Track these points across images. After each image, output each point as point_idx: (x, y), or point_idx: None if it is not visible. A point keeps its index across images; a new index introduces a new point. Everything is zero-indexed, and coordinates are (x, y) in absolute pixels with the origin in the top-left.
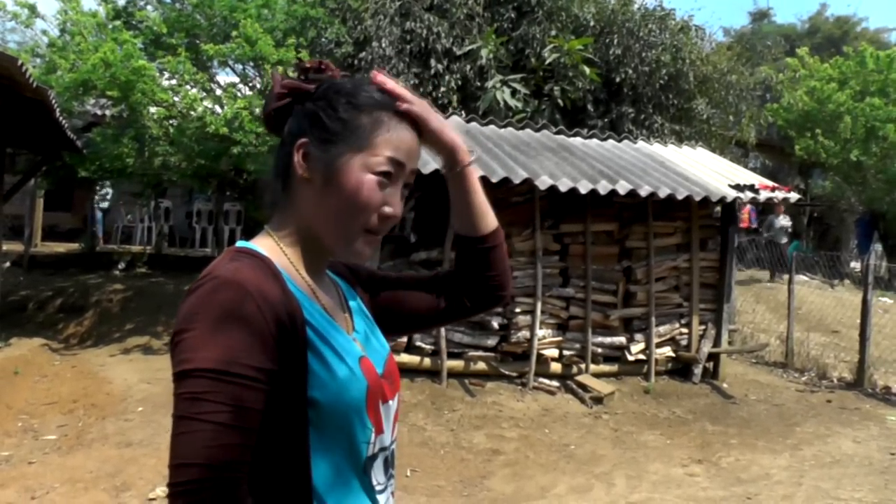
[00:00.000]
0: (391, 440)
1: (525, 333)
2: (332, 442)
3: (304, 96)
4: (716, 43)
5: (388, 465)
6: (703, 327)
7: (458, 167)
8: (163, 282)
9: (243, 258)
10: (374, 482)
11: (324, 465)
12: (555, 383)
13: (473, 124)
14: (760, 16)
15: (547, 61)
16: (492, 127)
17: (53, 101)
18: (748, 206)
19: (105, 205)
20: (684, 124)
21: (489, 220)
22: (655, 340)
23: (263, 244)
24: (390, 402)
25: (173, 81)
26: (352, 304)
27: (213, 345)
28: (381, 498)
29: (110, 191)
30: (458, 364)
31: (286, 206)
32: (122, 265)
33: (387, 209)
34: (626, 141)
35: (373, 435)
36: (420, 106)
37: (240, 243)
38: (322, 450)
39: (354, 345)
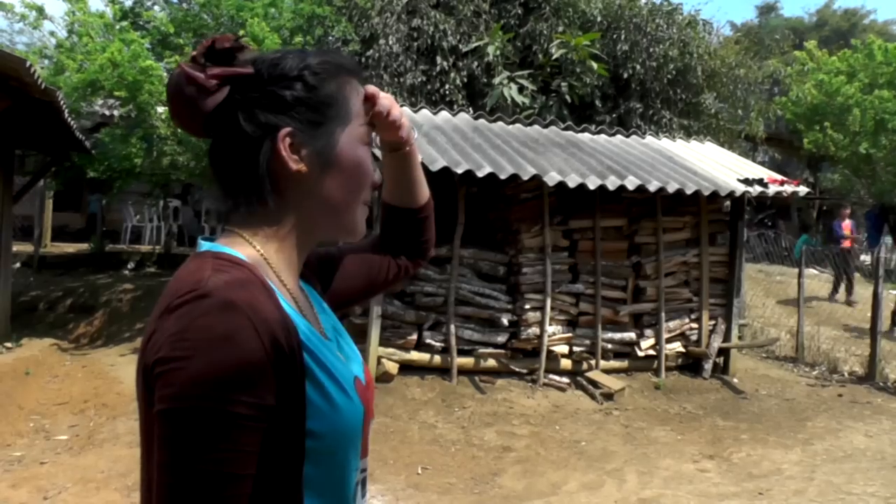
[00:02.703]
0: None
1: (535, 330)
2: (324, 474)
3: (247, 83)
4: (723, 37)
5: (366, 484)
6: (712, 322)
7: (406, 146)
8: None
9: (230, 269)
10: None
11: (315, 500)
12: (565, 380)
13: (481, 121)
14: (768, 9)
15: (554, 57)
16: (500, 123)
17: (62, 102)
18: (848, 221)
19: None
20: (692, 119)
21: (425, 190)
22: (665, 336)
23: (242, 250)
24: (371, 419)
25: None
26: (314, 304)
27: (212, 379)
28: None
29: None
30: (468, 361)
31: (270, 207)
32: (131, 265)
33: (376, 178)
34: (634, 136)
35: (360, 460)
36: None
37: (213, 246)
38: (314, 484)
39: (347, 365)
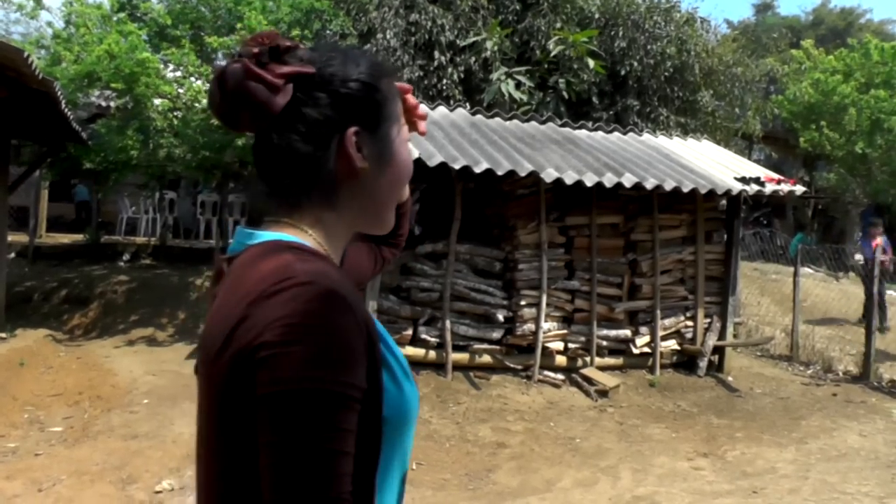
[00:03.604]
0: None
1: (530, 326)
2: (390, 456)
3: (308, 82)
4: (720, 35)
5: None
6: (708, 320)
7: None
8: (167, 273)
9: (312, 259)
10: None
11: (383, 486)
12: (560, 376)
13: (479, 117)
14: (765, 7)
15: (552, 54)
16: (497, 119)
17: (59, 93)
18: (880, 239)
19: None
20: (689, 116)
21: (406, 190)
22: (660, 333)
23: (306, 241)
24: None
25: (178, 73)
26: None
27: (324, 362)
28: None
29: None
30: (463, 357)
31: (328, 202)
32: (126, 257)
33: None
34: (631, 133)
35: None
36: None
37: (275, 236)
38: (383, 469)
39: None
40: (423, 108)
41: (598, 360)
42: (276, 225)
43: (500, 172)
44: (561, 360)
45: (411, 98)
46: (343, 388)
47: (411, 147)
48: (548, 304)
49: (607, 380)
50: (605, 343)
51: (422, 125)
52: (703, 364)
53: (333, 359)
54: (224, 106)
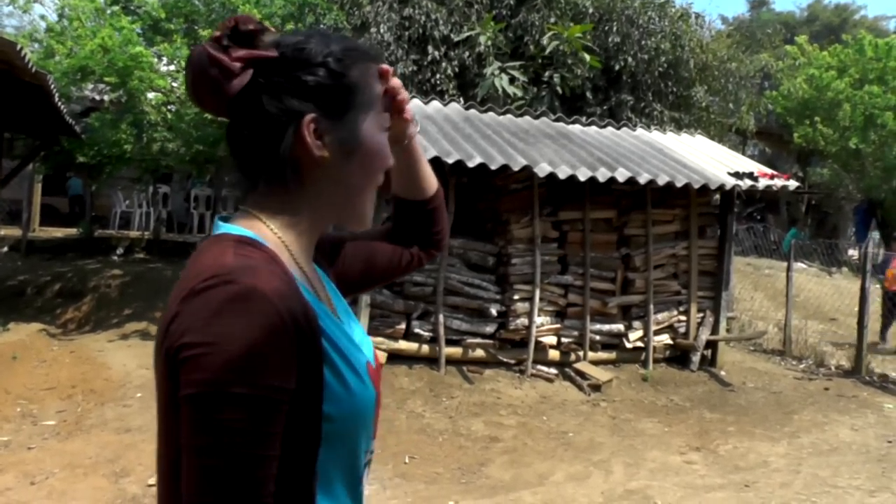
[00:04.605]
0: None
1: (523, 321)
2: (336, 457)
3: (271, 66)
4: (715, 31)
5: (369, 466)
6: (701, 315)
7: (409, 139)
8: (161, 267)
9: (252, 254)
10: (363, 488)
11: (326, 484)
12: (553, 371)
13: (472, 111)
14: (759, 3)
15: (546, 49)
16: (491, 114)
17: (52, 86)
18: None
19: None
20: (683, 112)
21: (433, 182)
22: (653, 328)
23: (261, 233)
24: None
25: (171, 67)
26: (327, 285)
27: (240, 364)
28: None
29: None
30: (456, 351)
31: (290, 191)
32: (120, 250)
33: (390, 162)
34: (625, 128)
35: (371, 442)
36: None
37: (232, 228)
38: (327, 466)
39: (361, 349)
40: (409, 101)
41: (591, 354)
42: (241, 216)
43: (493, 167)
44: (554, 354)
45: (395, 81)
46: (264, 390)
47: None
48: (541, 299)
49: (600, 374)
50: (598, 337)
51: (407, 111)
52: (695, 358)
53: (254, 361)
54: (190, 88)
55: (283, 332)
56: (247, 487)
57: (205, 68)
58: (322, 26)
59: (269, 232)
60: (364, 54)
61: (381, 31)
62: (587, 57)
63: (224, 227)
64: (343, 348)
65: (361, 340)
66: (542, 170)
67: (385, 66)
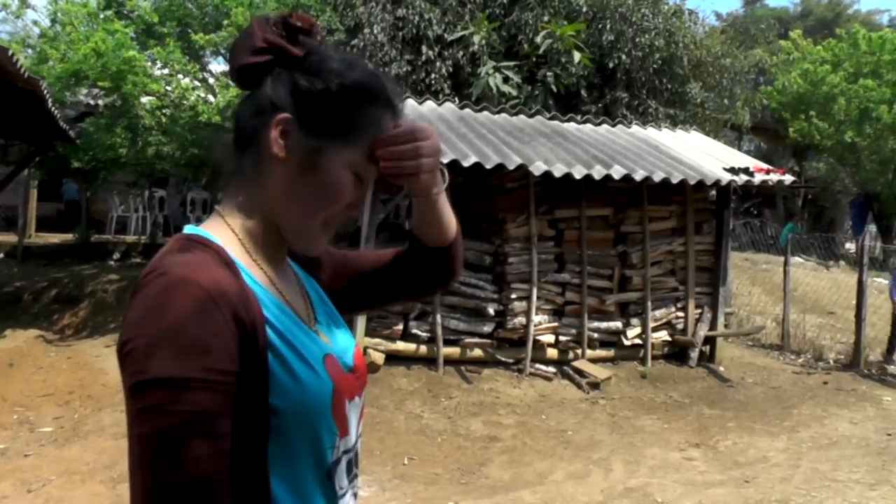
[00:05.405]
0: (356, 440)
1: (521, 320)
2: (294, 450)
3: (290, 61)
4: (709, 27)
5: (352, 466)
6: (699, 311)
7: (435, 194)
8: None
9: (193, 248)
10: (337, 487)
11: (285, 476)
12: (551, 369)
13: (467, 111)
14: None
15: (540, 47)
16: (485, 113)
17: (45, 92)
18: None
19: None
20: (678, 108)
21: (454, 228)
22: (652, 325)
23: (216, 231)
24: (357, 398)
25: (165, 71)
26: (311, 292)
27: (170, 351)
28: (342, 503)
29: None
30: (454, 351)
31: (247, 183)
32: (116, 255)
33: (353, 209)
34: (620, 126)
35: (337, 438)
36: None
37: (189, 229)
38: (283, 459)
39: (318, 342)
40: (411, 164)
41: (589, 352)
42: (211, 217)
43: (488, 166)
44: (552, 352)
45: (388, 152)
46: (193, 371)
47: None
48: (538, 298)
49: (599, 372)
50: (596, 335)
51: (430, 167)
52: (694, 355)
53: (180, 344)
54: (231, 48)
55: (215, 314)
56: (196, 467)
57: (242, 34)
58: None
59: (226, 229)
60: (375, 94)
61: (375, 31)
62: (581, 55)
63: (186, 229)
64: (291, 337)
65: (340, 341)
66: (538, 168)
67: (394, 136)
